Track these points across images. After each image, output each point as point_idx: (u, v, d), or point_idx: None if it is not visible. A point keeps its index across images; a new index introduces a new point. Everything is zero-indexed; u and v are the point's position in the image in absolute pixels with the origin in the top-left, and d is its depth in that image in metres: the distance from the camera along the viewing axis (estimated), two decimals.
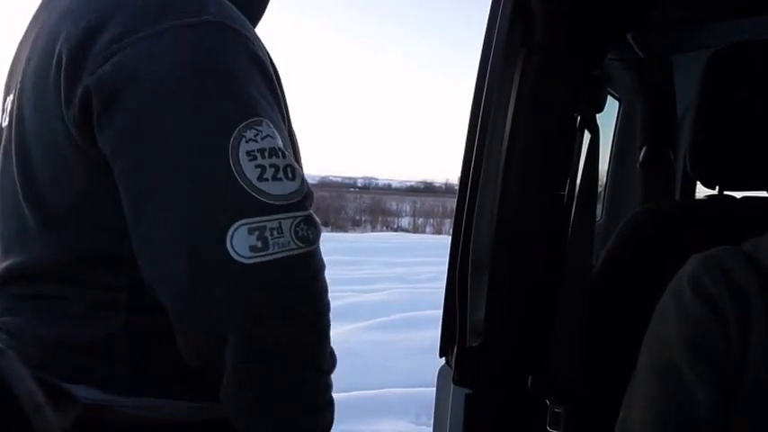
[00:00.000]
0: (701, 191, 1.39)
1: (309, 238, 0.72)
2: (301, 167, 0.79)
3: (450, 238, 1.20)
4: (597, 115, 1.28)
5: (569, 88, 1.26)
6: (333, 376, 0.81)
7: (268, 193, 0.70)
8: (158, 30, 0.71)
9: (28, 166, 0.79)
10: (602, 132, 1.29)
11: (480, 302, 1.22)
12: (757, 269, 0.78)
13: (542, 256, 1.28)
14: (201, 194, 0.70)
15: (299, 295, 0.73)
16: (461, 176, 1.20)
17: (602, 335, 1.20)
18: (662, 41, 1.76)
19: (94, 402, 0.75)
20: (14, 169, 0.81)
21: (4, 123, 0.87)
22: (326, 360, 0.79)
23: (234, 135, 0.70)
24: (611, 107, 2.01)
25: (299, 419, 0.78)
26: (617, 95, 2.00)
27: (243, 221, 0.69)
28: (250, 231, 0.69)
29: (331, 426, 0.81)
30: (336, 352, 0.82)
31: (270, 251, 0.69)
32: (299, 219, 0.72)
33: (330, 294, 0.78)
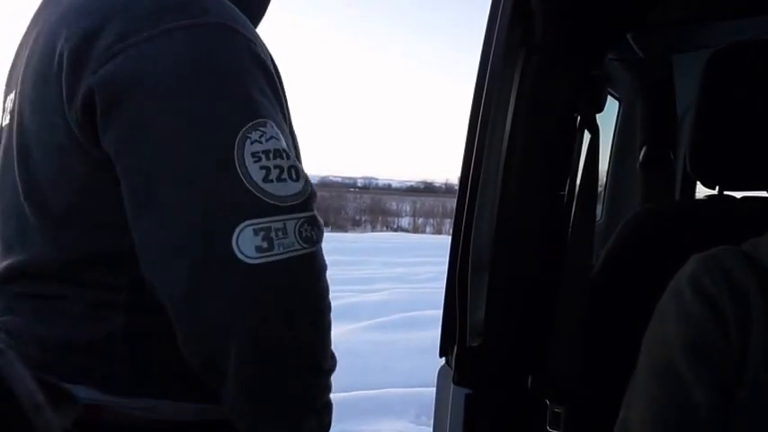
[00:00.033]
0: (701, 191, 1.39)
1: (313, 238, 0.73)
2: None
3: (450, 238, 1.20)
4: (597, 115, 1.28)
5: (569, 88, 1.26)
6: (333, 376, 0.81)
7: (273, 194, 0.71)
8: (161, 30, 0.72)
9: (28, 165, 0.79)
10: (602, 132, 1.29)
11: (480, 302, 1.22)
12: (757, 269, 0.78)
13: (542, 256, 1.28)
14: (207, 195, 0.70)
15: (303, 295, 0.73)
16: (461, 176, 1.20)
17: (602, 335, 1.20)
18: (662, 41, 1.76)
19: (94, 403, 0.75)
20: (15, 168, 0.81)
21: (5, 122, 0.87)
22: (327, 360, 0.79)
23: (239, 136, 0.70)
24: (611, 107, 2.01)
25: (299, 420, 0.78)
26: (617, 95, 2.00)
27: (248, 222, 0.69)
28: (255, 232, 0.69)
29: (329, 428, 0.82)
30: (336, 352, 0.82)
31: (275, 252, 0.69)
32: (303, 219, 0.72)
33: (330, 294, 0.78)
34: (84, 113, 0.72)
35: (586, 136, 1.28)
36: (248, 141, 0.70)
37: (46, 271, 0.79)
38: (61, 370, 0.75)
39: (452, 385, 1.21)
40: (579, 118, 1.27)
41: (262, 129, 0.72)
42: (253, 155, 0.70)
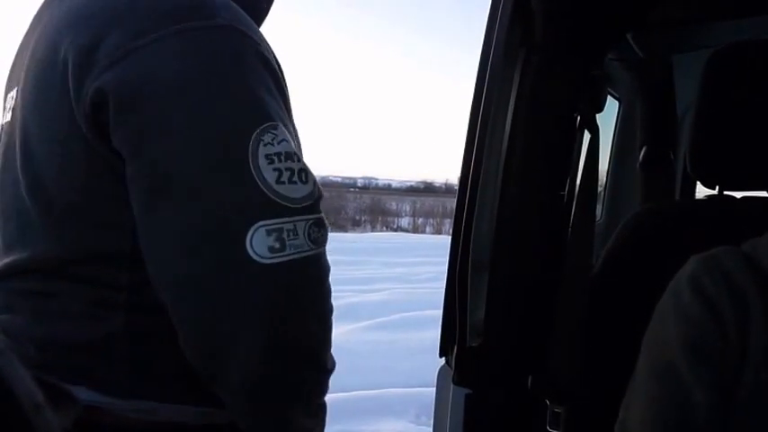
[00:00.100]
0: (701, 191, 1.39)
1: (320, 239, 0.75)
2: None
3: (450, 238, 1.20)
4: (597, 115, 1.28)
5: (569, 88, 1.26)
6: (332, 376, 0.82)
7: (285, 196, 0.72)
8: (173, 31, 0.72)
9: (32, 163, 0.79)
10: (602, 132, 1.29)
11: (480, 302, 1.22)
12: (756, 270, 0.78)
13: (542, 256, 1.28)
14: (223, 195, 0.71)
15: (310, 295, 0.75)
16: (461, 176, 1.20)
17: (602, 335, 1.20)
18: (662, 41, 1.76)
19: (94, 405, 0.75)
20: (17, 165, 0.81)
21: (5, 120, 0.87)
22: (329, 360, 0.80)
23: (253, 138, 0.71)
24: (611, 107, 2.01)
25: (298, 419, 0.79)
26: (617, 95, 2.00)
27: (262, 223, 0.70)
28: (269, 232, 0.70)
29: (324, 428, 0.83)
30: (336, 352, 0.83)
31: (286, 252, 0.71)
32: (312, 221, 0.74)
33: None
34: (95, 113, 0.72)
35: (586, 136, 1.28)
36: (261, 144, 0.72)
37: (47, 268, 0.79)
38: (61, 370, 0.75)
39: (452, 385, 1.21)
40: (579, 118, 1.27)
41: (274, 132, 0.73)
42: (266, 157, 0.72)
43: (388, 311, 7.17)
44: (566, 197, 1.29)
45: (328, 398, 0.82)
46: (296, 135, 0.83)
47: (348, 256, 12.87)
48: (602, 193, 2.07)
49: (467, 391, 1.20)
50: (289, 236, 0.71)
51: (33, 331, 0.79)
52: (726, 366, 0.75)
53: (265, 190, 0.71)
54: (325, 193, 0.81)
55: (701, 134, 1.12)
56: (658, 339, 0.81)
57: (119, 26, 0.73)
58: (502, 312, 1.23)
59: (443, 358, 1.26)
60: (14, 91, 0.85)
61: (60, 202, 0.77)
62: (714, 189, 1.16)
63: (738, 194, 1.17)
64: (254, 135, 0.71)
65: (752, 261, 0.79)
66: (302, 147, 0.90)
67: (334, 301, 0.80)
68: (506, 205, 1.22)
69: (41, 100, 0.78)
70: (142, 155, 0.72)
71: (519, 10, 1.17)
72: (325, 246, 0.76)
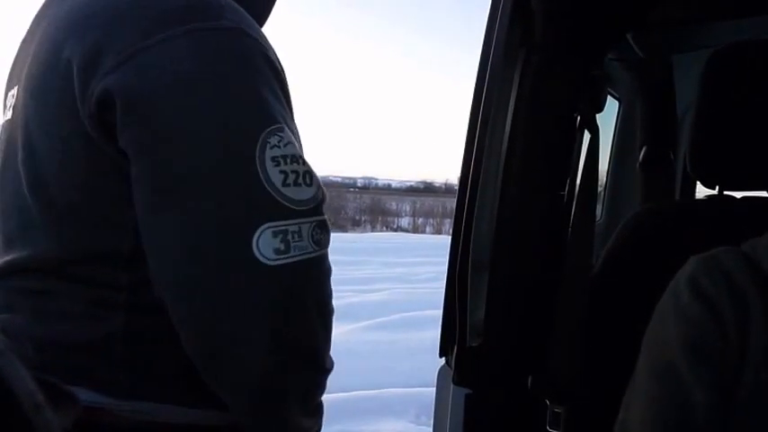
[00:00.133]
0: (701, 191, 1.39)
1: (323, 242, 0.75)
2: None
3: (450, 238, 1.20)
4: (597, 115, 1.28)
5: (569, 88, 1.26)
6: (333, 376, 0.82)
7: (291, 198, 0.72)
8: (179, 32, 0.72)
9: (34, 160, 0.79)
10: (602, 132, 1.29)
11: (480, 302, 1.22)
12: (756, 270, 0.78)
13: (542, 256, 1.28)
14: (230, 197, 0.71)
15: (313, 296, 0.75)
16: (461, 176, 1.20)
17: (602, 335, 1.20)
18: (662, 41, 1.76)
19: (93, 405, 0.75)
20: (19, 163, 0.80)
21: (6, 118, 0.87)
22: (329, 360, 0.80)
23: (260, 140, 0.72)
24: (611, 107, 2.01)
25: (297, 418, 0.79)
26: (617, 95, 2.00)
27: (268, 225, 0.71)
28: (274, 234, 0.71)
29: (321, 428, 0.83)
30: (336, 352, 0.83)
31: (291, 254, 0.72)
32: (315, 223, 0.74)
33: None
34: (100, 112, 0.72)
35: (586, 136, 1.28)
36: (268, 146, 0.72)
37: (47, 267, 0.79)
38: (60, 370, 0.75)
39: (452, 385, 1.21)
40: (579, 118, 1.27)
41: (280, 134, 0.73)
42: (273, 159, 0.72)
43: (388, 311, 7.17)
44: (566, 197, 1.29)
45: (328, 398, 0.83)
46: (297, 136, 0.83)
47: (348, 256, 12.87)
48: (602, 193, 2.07)
49: (467, 391, 1.20)
50: (293, 238, 0.72)
51: (33, 331, 0.78)
52: (726, 366, 0.75)
53: (272, 192, 0.71)
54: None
55: (701, 134, 1.12)
56: (658, 339, 0.81)
57: (122, 25, 0.73)
58: (502, 312, 1.23)
59: (443, 358, 1.26)
60: (15, 89, 0.85)
61: (61, 201, 0.77)
62: (714, 189, 1.16)
63: (738, 194, 1.17)
64: (262, 137, 0.72)
65: (752, 261, 0.79)
66: (303, 147, 0.90)
67: (334, 301, 0.80)
68: (506, 205, 1.22)
69: (43, 99, 0.78)
70: (148, 154, 0.72)
71: (519, 10, 1.17)
72: (327, 248, 0.77)
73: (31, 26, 0.89)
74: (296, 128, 0.80)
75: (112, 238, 0.76)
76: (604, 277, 1.22)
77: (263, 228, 0.70)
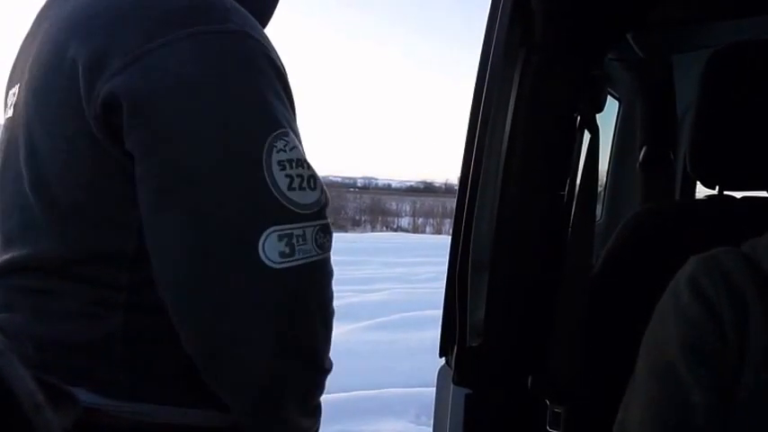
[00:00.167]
0: (701, 191, 1.39)
1: (326, 245, 0.76)
2: None
3: (450, 238, 1.20)
4: (597, 115, 1.28)
5: (569, 88, 1.26)
6: (333, 376, 0.82)
7: (296, 202, 0.73)
8: (183, 35, 0.72)
9: (36, 159, 0.79)
10: (602, 132, 1.29)
11: (480, 302, 1.22)
12: (756, 270, 0.78)
13: (542, 256, 1.28)
14: (236, 200, 0.71)
15: (316, 299, 0.76)
16: (461, 176, 1.20)
17: (602, 335, 1.20)
18: (662, 41, 1.76)
19: (94, 407, 0.75)
20: (21, 161, 0.80)
21: (7, 116, 0.87)
22: (328, 361, 0.80)
23: (267, 145, 0.72)
24: (611, 107, 2.01)
25: (299, 419, 0.79)
26: (617, 95, 2.00)
27: (274, 228, 0.71)
28: (280, 238, 0.72)
29: (319, 428, 0.83)
30: (336, 352, 0.83)
31: (296, 257, 0.72)
32: (319, 227, 0.75)
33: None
34: (106, 113, 0.72)
35: (586, 136, 1.28)
36: (275, 150, 0.73)
37: (48, 266, 0.79)
38: (60, 370, 0.75)
39: (452, 385, 1.21)
40: (579, 118, 1.27)
41: (285, 138, 0.74)
42: (278, 163, 0.72)
43: (388, 311, 7.17)
44: (566, 197, 1.29)
45: (328, 398, 0.83)
46: (299, 137, 0.83)
47: (348, 256, 12.86)
48: (602, 193, 2.07)
49: (467, 391, 1.20)
50: (298, 241, 0.72)
51: (33, 330, 0.78)
52: (725, 367, 0.75)
53: (278, 196, 0.72)
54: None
55: (701, 134, 1.12)
56: (658, 340, 0.81)
57: (125, 26, 0.73)
58: (502, 312, 1.23)
59: (443, 358, 1.26)
60: (17, 87, 0.85)
61: (64, 200, 0.77)
62: (714, 189, 1.16)
63: (738, 194, 1.17)
64: (268, 141, 0.72)
65: (751, 261, 0.79)
66: (304, 147, 0.90)
67: (334, 301, 0.81)
68: (506, 205, 1.22)
69: (46, 99, 0.78)
70: (153, 155, 0.72)
71: (519, 10, 1.17)
72: (330, 251, 0.77)
73: (33, 25, 0.89)
74: (298, 129, 0.81)
75: (117, 239, 0.76)
76: (604, 277, 1.22)
77: (269, 231, 0.71)
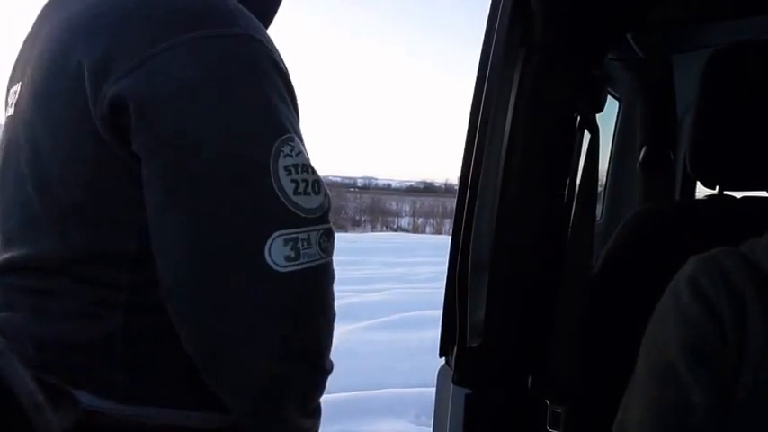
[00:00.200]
0: (701, 191, 1.39)
1: (328, 249, 0.77)
2: None
3: (450, 238, 1.20)
4: (597, 115, 1.28)
5: (569, 88, 1.26)
6: (333, 377, 0.83)
7: (302, 207, 0.74)
8: (186, 39, 0.72)
9: (38, 158, 0.79)
10: (602, 132, 1.29)
11: (480, 302, 1.22)
12: (754, 270, 0.78)
13: (542, 256, 1.28)
14: (244, 205, 0.72)
15: (319, 302, 0.77)
16: (461, 176, 1.20)
17: (602, 335, 1.20)
18: (662, 41, 1.76)
19: (94, 409, 0.75)
20: (23, 160, 0.80)
21: (8, 114, 0.87)
22: (329, 361, 0.81)
23: (273, 150, 0.73)
24: (611, 107, 2.01)
25: (300, 419, 0.79)
26: (617, 95, 2.00)
27: (280, 232, 0.72)
28: (286, 242, 0.72)
29: (318, 429, 0.84)
30: (336, 352, 0.84)
31: (300, 261, 0.73)
32: (322, 231, 0.76)
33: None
34: (113, 115, 0.72)
35: (586, 136, 1.28)
36: (282, 155, 0.73)
37: (48, 265, 0.79)
38: (61, 370, 0.75)
39: (452, 385, 1.21)
40: (579, 118, 1.27)
41: (291, 143, 0.74)
42: (285, 168, 0.73)
43: (388, 311, 7.17)
44: (566, 197, 1.29)
45: (328, 398, 0.83)
46: (302, 139, 0.84)
47: (348, 256, 12.86)
48: (602, 193, 2.07)
49: (467, 391, 1.21)
50: (303, 245, 0.73)
51: (33, 330, 0.78)
52: (724, 367, 0.75)
53: (284, 200, 0.73)
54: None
55: (701, 134, 1.12)
56: (657, 340, 0.81)
57: (130, 26, 0.73)
58: (502, 312, 1.23)
59: (443, 358, 1.26)
60: (18, 85, 0.85)
61: (65, 200, 0.77)
62: (714, 189, 1.16)
63: (738, 194, 1.18)
64: (275, 146, 0.73)
65: (750, 262, 0.79)
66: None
67: (335, 302, 0.81)
68: (506, 205, 1.22)
69: (49, 99, 0.77)
70: (158, 158, 0.72)
71: (519, 10, 1.17)
72: (332, 255, 0.78)
73: (35, 24, 0.89)
74: (301, 132, 0.81)
75: (117, 239, 0.76)
76: (604, 277, 1.22)
77: (275, 235, 0.72)
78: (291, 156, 0.74)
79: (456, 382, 1.21)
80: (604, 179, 2.09)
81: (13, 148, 0.82)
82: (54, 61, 0.77)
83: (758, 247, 0.80)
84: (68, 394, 0.72)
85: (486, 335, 1.21)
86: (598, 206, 2.01)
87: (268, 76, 0.75)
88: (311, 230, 0.74)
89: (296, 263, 0.73)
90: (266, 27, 0.85)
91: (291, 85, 0.79)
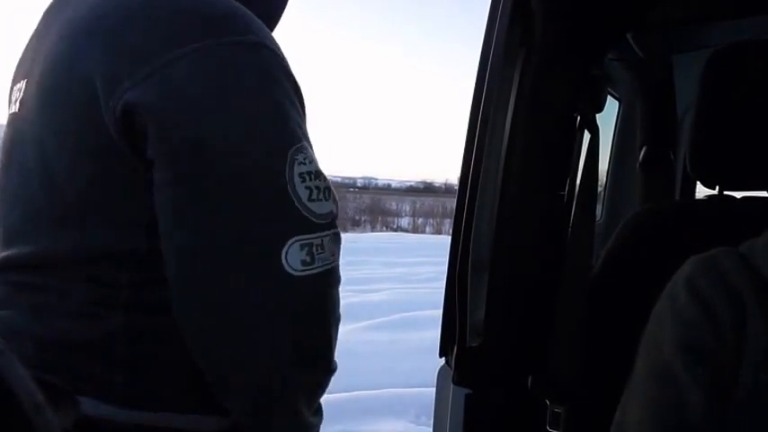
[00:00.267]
0: (701, 191, 1.39)
1: (337, 252, 0.79)
2: None
3: (449, 238, 1.21)
4: (597, 115, 1.28)
5: (569, 88, 1.26)
6: (333, 376, 0.83)
7: (315, 213, 0.76)
8: (206, 45, 0.72)
9: (43, 157, 0.78)
10: (602, 132, 1.29)
11: (480, 302, 1.22)
12: (752, 271, 0.78)
13: (542, 256, 1.28)
14: (261, 211, 0.73)
15: (329, 304, 0.79)
16: (461, 176, 1.20)
17: (602, 335, 1.20)
18: (662, 41, 1.76)
19: (94, 413, 0.75)
20: (27, 159, 0.80)
21: (12, 111, 0.86)
22: (334, 361, 0.82)
23: (288, 158, 0.74)
24: (611, 107, 2.01)
25: (307, 417, 0.80)
26: (617, 95, 2.00)
27: (297, 238, 0.74)
28: (302, 247, 0.74)
29: (319, 428, 0.85)
30: (336, 352, 0.84)
31: (315, 265, 0.75)
32: (332, 235, 0.78)
33: None
34: (125, 117, 0.72)
35: (586, 136, 1.28)
36: (297, 162, 0.75)
37: (49, 263, 0.79)
38: (61, 370, 0.75)
39: (452, 385, 1.21)
40: (579, 118, 1.27)
41: (305, 151, 0.76)
42: (299, 175, 0.75)
43: (388, 311, 7.17)
44: (566, 197, 1.29)
45: (329, 398, 0.84)
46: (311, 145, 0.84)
47: (348, 256, 12.78)
48: (602, 193, 2.07)
49: (467, 391, 1.21)
50: (317, 250, 0.75)
51: (33, 329, 0.78)
52: (722, 367, 0.75)
53: (299, 207, 0.74)
54: None
55: (701, 134, 1.12)
56: (656, 340, 0.81)
57: (134, 26, 0.73)
58: (502, 312, 1.23)
59: (443, 358, 1.26)
60: (22, 83, 0.85)
61: (69, 199, 0.77)
62: (714, 189, 1.16)
63: (738, 194, 1.18)
64: (290, 154, 0.74)
65: (748, 262, 0.79)
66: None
67: None
68: (506, 205, 1.22)
69: (55, 99, 0.77)
70: (175, 167, 0.72)
71: (519, 10, 1.17)
72: (339, 258, 0.80)
73: (40, 24, 0.89)
74: (309, 138, 0.81)
75: (118, 238, 0.76)
76: (604, 277, 1.22)
77: (292, 240, 0.73)
78: (305, 164, 0.76)
79: (456, 382, 1.21)
80: (604, 179, 2.09)
81: (17, 145, 0.82)
82: (60, 61, 0.77)
83: (756, 247, 0.81)
84: (68, 394, 0.72)
85: (486, 335, 1.21)
86: (598, 206, 2.01)
87: (279, 84, 0.76)
88: (324, 235, 0.76)
89: (311, 267, 0.74)
90: (271, 30, 0.85)
91: (301, 93, 0.81)
